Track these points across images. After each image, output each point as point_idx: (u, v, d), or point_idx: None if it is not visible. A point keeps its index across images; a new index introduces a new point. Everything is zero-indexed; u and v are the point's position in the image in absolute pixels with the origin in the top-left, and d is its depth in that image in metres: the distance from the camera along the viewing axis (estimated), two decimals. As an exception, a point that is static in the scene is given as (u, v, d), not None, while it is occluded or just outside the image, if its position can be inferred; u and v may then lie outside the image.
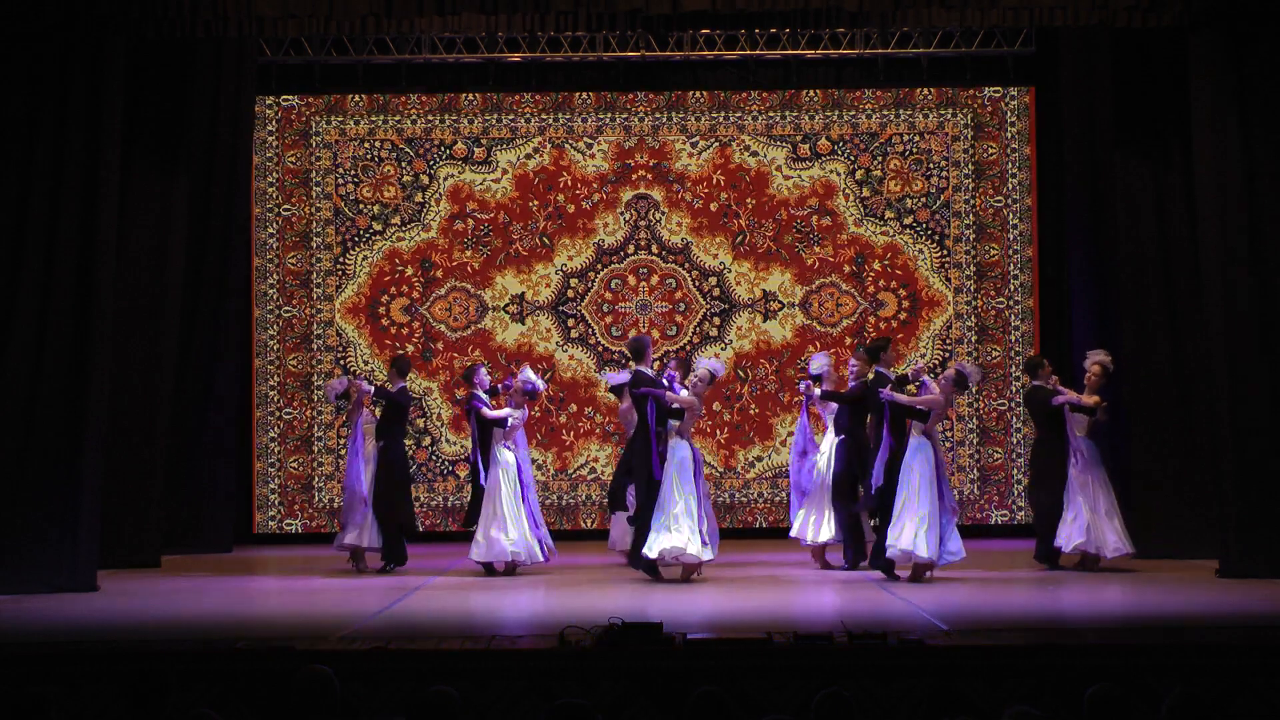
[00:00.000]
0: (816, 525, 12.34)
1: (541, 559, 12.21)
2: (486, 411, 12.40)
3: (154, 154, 13.46)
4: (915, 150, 15.59)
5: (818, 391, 12.56)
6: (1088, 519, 11.99)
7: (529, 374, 12.74)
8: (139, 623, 9.74)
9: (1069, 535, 12.04)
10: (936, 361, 15.17)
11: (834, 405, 12.48)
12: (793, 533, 12.61)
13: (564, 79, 15.70)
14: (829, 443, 12.47)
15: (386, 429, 12.67)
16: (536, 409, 14.92)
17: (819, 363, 12.78)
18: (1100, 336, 13.86)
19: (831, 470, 12.34)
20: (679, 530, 11.53)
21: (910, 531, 11.37)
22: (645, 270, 15.62)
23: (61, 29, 11.46)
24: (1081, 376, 12.68)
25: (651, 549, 11.57)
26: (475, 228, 15.59)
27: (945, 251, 15.54)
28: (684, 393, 11.98)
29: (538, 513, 12.48)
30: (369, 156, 15.61)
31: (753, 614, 9.96)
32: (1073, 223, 14.66)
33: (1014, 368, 15.31)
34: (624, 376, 12.77)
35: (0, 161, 11.52)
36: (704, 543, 11.62)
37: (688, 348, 15.37)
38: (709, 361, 12.44)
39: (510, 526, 12.13)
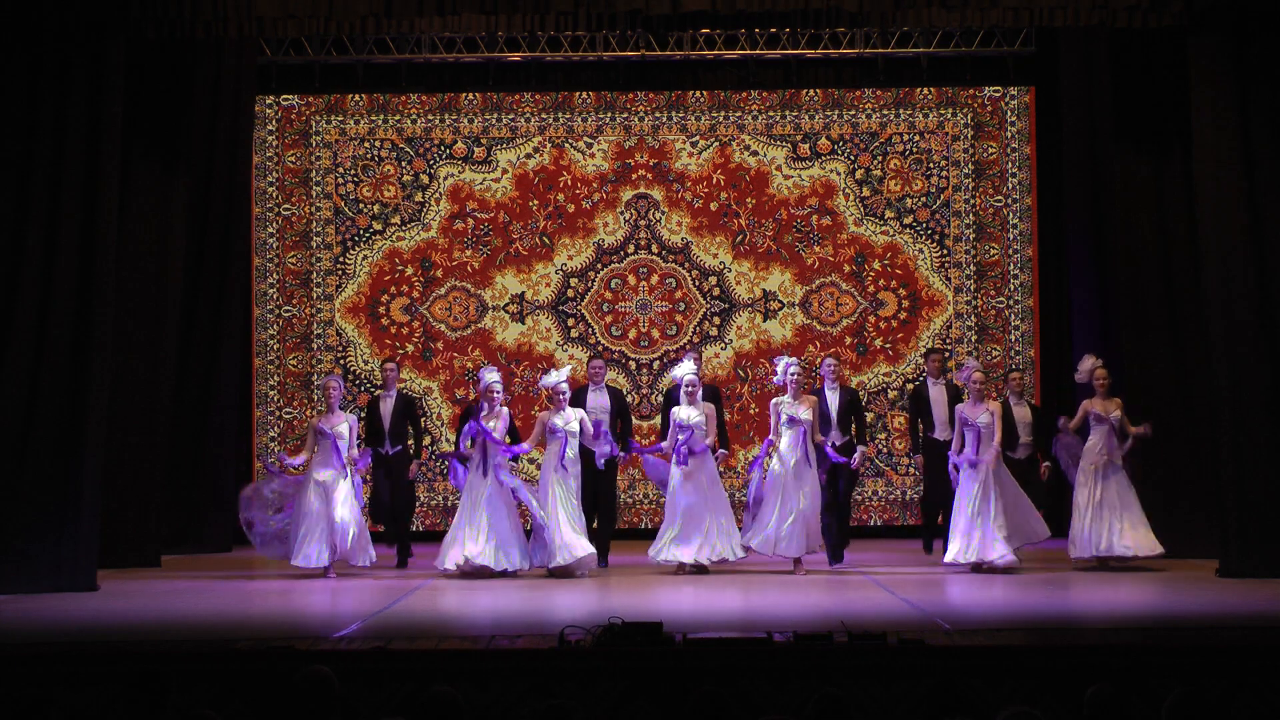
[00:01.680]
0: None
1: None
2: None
3: (154, 154, 13.45)
4: (915, 150, 15.60)
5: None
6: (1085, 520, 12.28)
7: (494, 375, 12.44)
8: (139, 623, 9.73)
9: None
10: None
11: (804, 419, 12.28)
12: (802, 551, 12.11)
13: (564, 79, 15.70)
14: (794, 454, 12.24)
15: (401, 435, 12.81)
16: (536, 407, 14.92)
17: (784, 365, 12.35)
18: (1100, 336, 13.89)
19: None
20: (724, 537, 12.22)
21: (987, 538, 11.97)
22: (645, 270, 15.62)
23: (61, 29, 11.45)
24: (1076, 385, 12.84)
25: (744, 549, 12.22)
26: (475, 227, 15.59)
27: (945, 251, 15.54)
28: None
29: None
30: (369, 156, 15.62)
31: (753, 614, 9.97)
32: (1073, 222, 14.68)
33: (1014, 368, 15.29)
34: (561, 375, 12.47)
35: (0, 161, 11.52)
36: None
37: (688, 347, 15.37)
38: (673, 370, 12.82)
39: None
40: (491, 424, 12.16)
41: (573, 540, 11.96)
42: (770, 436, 12.27)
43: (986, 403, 12.25)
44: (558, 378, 12.38)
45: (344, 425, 12.24)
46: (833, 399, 12.68)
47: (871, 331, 15.52)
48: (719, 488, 12.41)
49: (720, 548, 12.13)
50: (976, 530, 11.88)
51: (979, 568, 11.89)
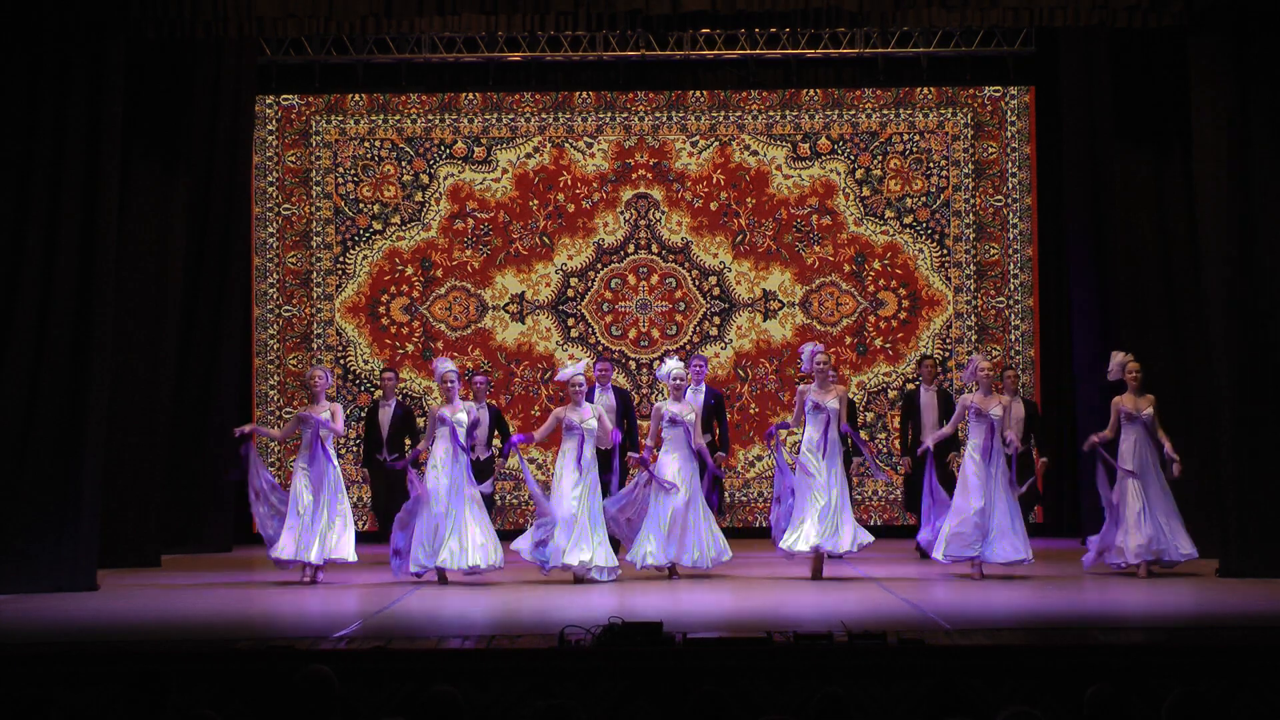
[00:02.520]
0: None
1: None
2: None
3: (154, 153, 13.46)
4: (915, 150, 15.60)
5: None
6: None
7: (448, 365, 11.76)
8: (139, 622, 9.73)
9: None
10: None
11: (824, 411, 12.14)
12: (854, 546, 11.84)
13: (564, 79, 15.70)
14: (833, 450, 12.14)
15: (399, 444, 13.04)
16: (537, 407, 14.97)
17: (809, 351, 12.08)
18: (1100, 336, 13.89)
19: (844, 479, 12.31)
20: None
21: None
22: (645, 270, 15.62)
23: (61, 29, 11.45)
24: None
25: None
26: (475, 227, 15.59)
27: (945, 251, 15.54)
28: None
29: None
30: (369, 156, 15.62)
31: (753, 614, 9.96)
32: (1073, 222, 14.68)
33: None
34: (577, 368, 12.07)
35: (0, 161, 11.52)
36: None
37: (688, 347, 15.38)
38: (658, 370, 12.33)
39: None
40: (456, 416, 11.52)
41: (591, 547, 11.52)
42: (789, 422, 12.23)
43: (996, 395, 12.02)
44: (573, 370, 11.85)
45: (327, 413, 11.72)
46: None
47: (871, 331, 15.52)
48: (694, 495, 11.88)
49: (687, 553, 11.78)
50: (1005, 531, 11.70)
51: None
